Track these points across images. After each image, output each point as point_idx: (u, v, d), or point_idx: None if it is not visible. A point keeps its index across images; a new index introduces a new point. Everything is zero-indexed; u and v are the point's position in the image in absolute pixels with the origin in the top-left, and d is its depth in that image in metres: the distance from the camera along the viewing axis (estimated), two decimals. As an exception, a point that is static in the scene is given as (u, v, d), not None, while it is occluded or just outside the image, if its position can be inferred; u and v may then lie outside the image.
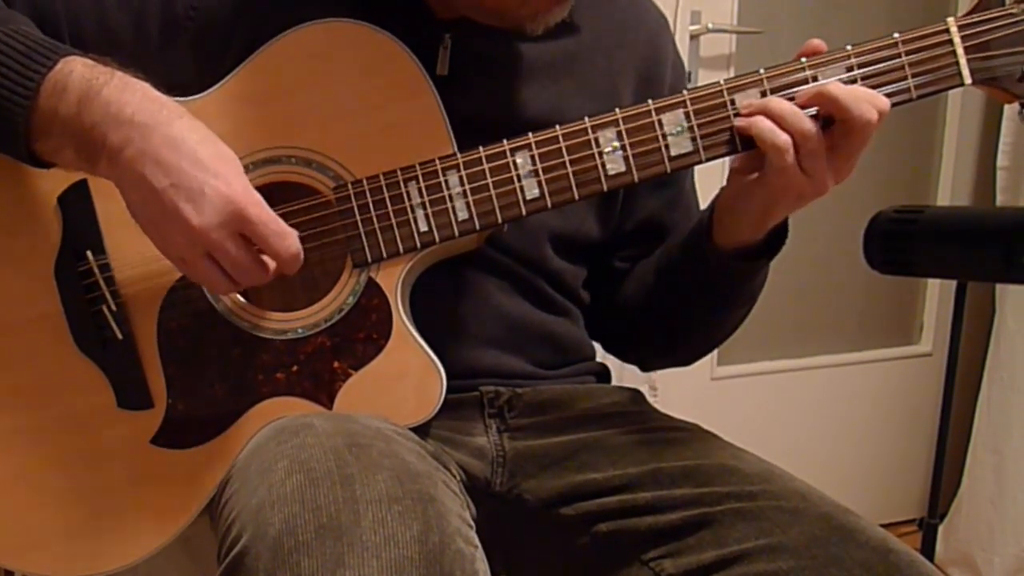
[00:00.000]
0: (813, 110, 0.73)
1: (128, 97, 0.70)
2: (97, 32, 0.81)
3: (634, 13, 0.94)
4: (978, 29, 0.73)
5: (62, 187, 0.79)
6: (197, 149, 0.69)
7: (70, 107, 0.70)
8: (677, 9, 1.83)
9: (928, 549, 1.45)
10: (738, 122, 0.75)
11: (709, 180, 0.97)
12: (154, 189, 0.68)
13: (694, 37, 1.91)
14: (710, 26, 1.89)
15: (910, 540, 0.82)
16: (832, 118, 0.73)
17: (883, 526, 0.72)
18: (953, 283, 1.44)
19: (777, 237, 0.82)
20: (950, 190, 2.25)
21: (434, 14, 0.84)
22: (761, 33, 1.95)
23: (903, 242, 1.36)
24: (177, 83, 0.76)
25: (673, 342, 0.96)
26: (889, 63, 0.74)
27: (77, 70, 0.71)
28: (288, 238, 0.72)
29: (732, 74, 1.97)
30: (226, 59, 0.80)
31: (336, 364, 0.78)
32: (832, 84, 0.73)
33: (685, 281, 0.87)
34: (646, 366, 1.06)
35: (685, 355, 0.98)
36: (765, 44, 1.97)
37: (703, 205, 0.88)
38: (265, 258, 0.72)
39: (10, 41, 0.72)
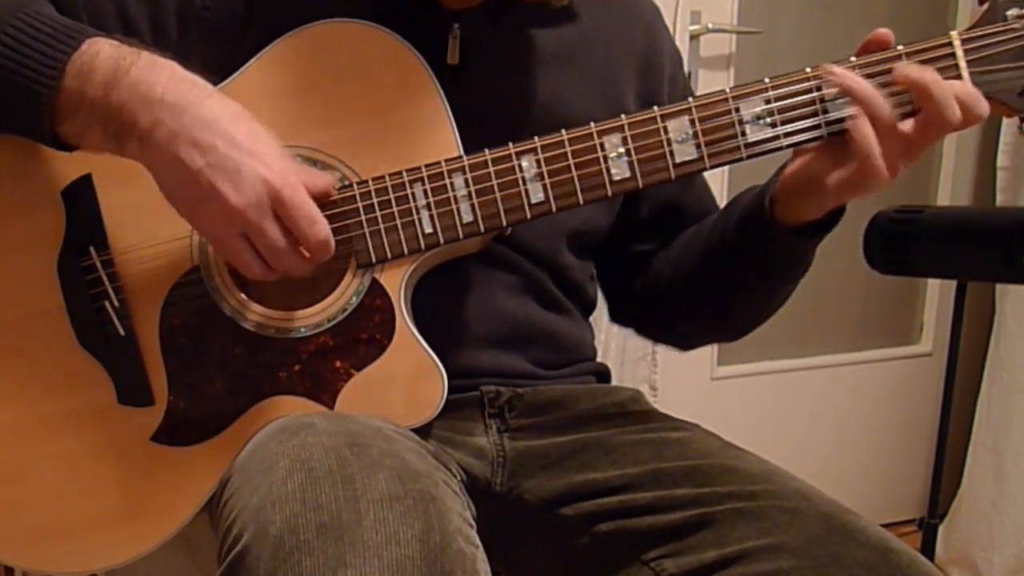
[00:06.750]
0: (906, 102, 0.72)
1: (156, 76, 0.70)
2: (117, 23, 0.81)
3: (630, 4, 0.95)
4: (980, 43, 0.74)
5: (66, 182, 0.79)
6: (230, 128, 0.69)
7: (97, 88, 0.69)
8: (677, 9, 1.83)
9: (928, 549, 1.46)
10: (847, 123, 0.73)
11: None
12: (189, 170, 0.68)
13: (694, 37, 1.91)
14: (710, 26, 1.89)
15: (910, 540, 0.83)
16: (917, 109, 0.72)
17: (883, 526, 0.72)
18: (953, 283, 1.45)
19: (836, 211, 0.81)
20: (950, 190, 2.25)
21: (443, 4, 0.84)
22: (761, 33, 1.95)
23: (903, 242, 1.36)
24: None
25: (725, 319, 0.95)
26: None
27: (104, 51, 0.70)
28: (316, 224, 0.71)
29: (732, 74, 1.97)
30: (239, 55, 0.80)
31: (338, 364, 0.78)
32: (928, 73, 0.72)
33: (743, 258, 0.86)
34: (690, 344, 1.04)
35: (736, 331, 0.97)
36: (765, 44, 1.97)
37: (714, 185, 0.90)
38: None
39: (33, 22, 0.71)
